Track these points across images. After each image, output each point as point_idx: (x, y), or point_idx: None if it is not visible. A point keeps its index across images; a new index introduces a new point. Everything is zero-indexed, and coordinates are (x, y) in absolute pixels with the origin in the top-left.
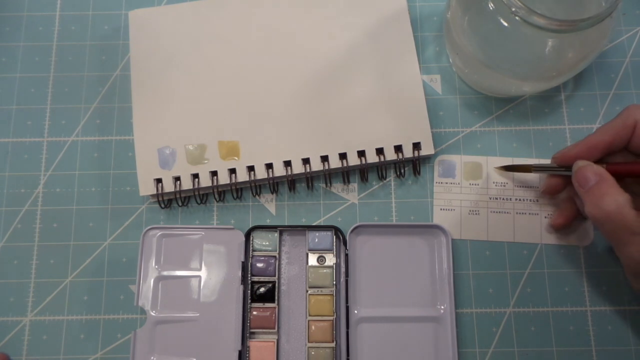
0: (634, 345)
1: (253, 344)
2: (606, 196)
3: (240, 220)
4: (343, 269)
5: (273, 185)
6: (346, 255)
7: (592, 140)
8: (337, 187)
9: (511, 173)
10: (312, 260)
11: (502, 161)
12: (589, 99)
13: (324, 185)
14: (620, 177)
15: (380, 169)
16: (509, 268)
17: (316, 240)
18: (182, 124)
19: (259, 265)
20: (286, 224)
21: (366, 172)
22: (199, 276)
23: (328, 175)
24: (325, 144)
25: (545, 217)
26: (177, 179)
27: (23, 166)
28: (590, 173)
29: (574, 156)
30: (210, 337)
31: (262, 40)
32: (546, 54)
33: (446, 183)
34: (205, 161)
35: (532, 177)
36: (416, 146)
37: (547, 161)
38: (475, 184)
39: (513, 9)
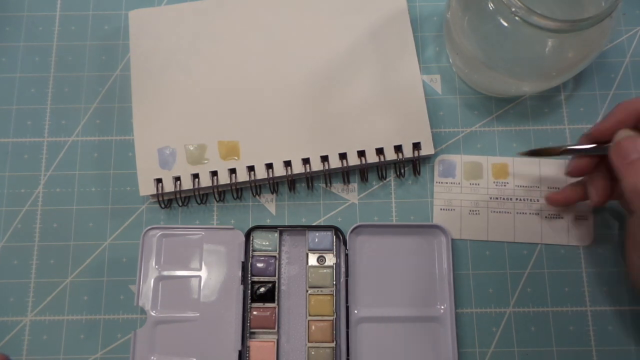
0: (634, 345)
1: (253, 344)
2: None
3: (240, 220)
4: (343, 269)
5: (273, 185)
6: (346, 255)
7: (625, 106)
8: (337, 187)
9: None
10: (312, 260)
11: (502, 161)
12: (589, 99)
13: (324, 185)
14: None
15: (380, 169)
16: (509, 268)
17: (316, 240)
18: (182, 124)
19: (259, 265)
20: (286, 224)
21: (366, 172)
22: (199, 276)
23: (328, 175)
24: (325, 144)
25: (546, 217)
26: (177, 179)
27: (23, 166)
28: (634, 145)
29: (612, 127)
30: (210, 337)
31: (262, 40)
32: (546, 54)
33: (446, 183)
34: (205, 161)
35: (532, 176)
36: (416, 146)
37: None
38: (475, 184)
39: (513, 9)
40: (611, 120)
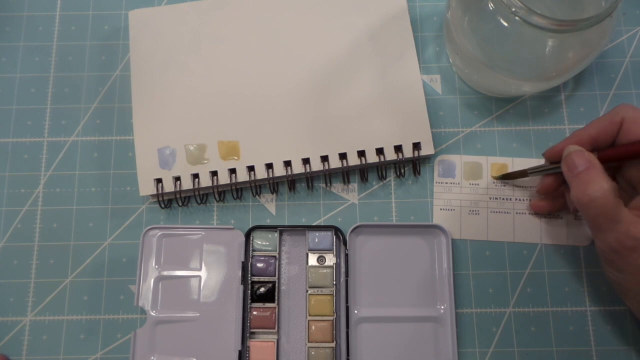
0: (634, 345)
1: (253, 344)
2: (593, 182)
3: (240, 220)
4: (343, 269)
5: (273, 185)
6: (346, 255)
7: (578, 134)
8: (337, 187)
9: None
10: (312, 260)
11: (502, 161)
12: (589, 99)
13: (324, 185)
14: (610, 163)
15: (380, 169)
16: (509, 268)
17: (316, 240)
18: (182, 124)
19: (259, 265)
20: (286, 224)
21: (366, 172)
22: (199, 276)
23: (328, 175)
24: (325, 144)
25: (546, 217)
26: (177, 179)
27: (23, 166)
28: (580, 159)
29: (561, 150)
30: (210, 337)
31: (262, 40)
32: (546, 54)
33: (446, 183)
34: (205, 161)
35: (532, 176)
36: (416, 146)
37: (542, 162)
38: (475, 184)
39: (513, 9)
40: (564, 144)
